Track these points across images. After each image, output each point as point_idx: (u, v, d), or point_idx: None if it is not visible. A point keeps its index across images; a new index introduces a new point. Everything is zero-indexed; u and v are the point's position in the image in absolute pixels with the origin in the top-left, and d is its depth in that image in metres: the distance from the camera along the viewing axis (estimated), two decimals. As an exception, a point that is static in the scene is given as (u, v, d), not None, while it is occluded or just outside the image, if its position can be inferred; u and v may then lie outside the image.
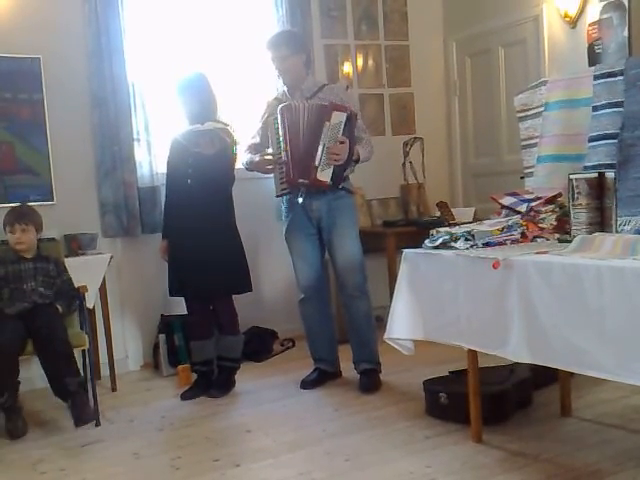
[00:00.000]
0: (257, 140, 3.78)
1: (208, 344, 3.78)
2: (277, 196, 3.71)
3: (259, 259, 4.69)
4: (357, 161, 3.59)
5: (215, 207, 3.64)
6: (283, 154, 3.51)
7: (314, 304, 3.77)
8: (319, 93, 3.64)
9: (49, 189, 4.13)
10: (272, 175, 3.66)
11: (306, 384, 3.77)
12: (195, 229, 3.60)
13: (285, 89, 3.72)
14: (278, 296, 4.85)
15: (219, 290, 3.68)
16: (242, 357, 3.92)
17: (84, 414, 3.17)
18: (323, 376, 3.81)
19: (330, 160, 3.45)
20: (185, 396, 3.73)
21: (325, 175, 3.48)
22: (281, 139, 3.52)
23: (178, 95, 3.68)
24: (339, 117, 3.43)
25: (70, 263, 3.74)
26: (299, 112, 3.48)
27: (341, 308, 3.97)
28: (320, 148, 3.44)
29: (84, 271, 3.78)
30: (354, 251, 3.66)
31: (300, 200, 3.60)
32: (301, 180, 3.52)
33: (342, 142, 3.44)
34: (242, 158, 3.79)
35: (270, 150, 3.64)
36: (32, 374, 3.76)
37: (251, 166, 3.73)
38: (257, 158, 3.67)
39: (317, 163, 3.45)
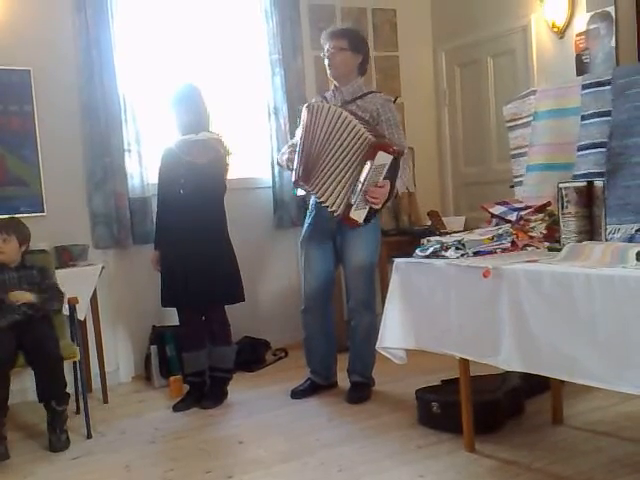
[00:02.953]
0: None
1: (200, 355, 3.77)
2: (297, 196, 3.67)
3: (253, 269, 4.69)
4: (395, 196, 3.49)
5: (207, 217, 3.63)
6: (296, 155, 3.41)
7: (315, 316, 3.72)
8: (359, 100, 3.53)
9: (40, 200, 4.12)
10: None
11: (296, 394, 3.75)
12: (187, 239, 3.59)
13: (333, 87, 3.63)
14: (271, 306, 4.85)
15: (212, 300, 3.67)
16: (235, 368, 3.91)
17: (60, 443, 3.20)
18: (314, 387, 3.79)
19: (367, 202, 3.30)
20: (177, 407, 3.71)
21: (358, 215, 3.33)
22: (298, 140, 3.43)
23: (171, 106, 3.67)
24: (383, 159, 3.23)
25: (61, 274, 3.72)
26: (320, 115, 3.30)
27: (342, 317, 3.93)
28: (359, 186, 3.27)
29: (75, 282, 3.76)
30: (363, 264, 3.55)
31: (309, 204, 3.57)
32: (302, 184, 3.41)
33: (382, 186, 3.29)
34: (280, 153, 3.75)
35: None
36: (24, 386, 3.74)
37: (279, 162, 3.69)
38: (285, 157, 3.58)
39: (353, 201, 3.29)
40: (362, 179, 3.25)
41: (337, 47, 3.52)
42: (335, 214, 3.37)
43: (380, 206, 3.35)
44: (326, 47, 3.56)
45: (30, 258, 3.55)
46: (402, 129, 3.59)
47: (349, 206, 3.31)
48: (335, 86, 3.63)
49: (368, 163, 3.23)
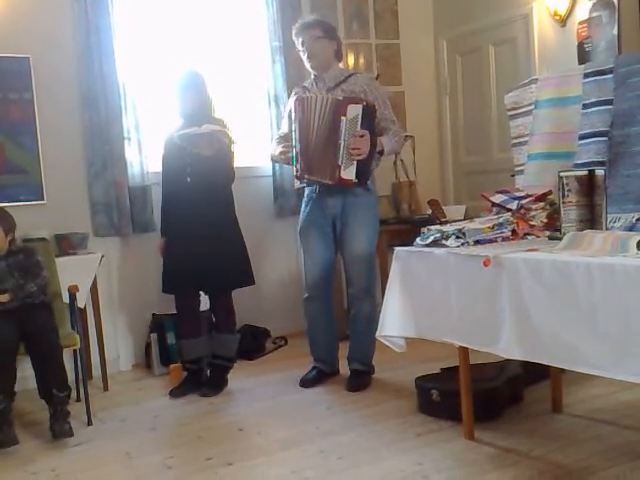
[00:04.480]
0: (285, 130, 3.70)
1: (198, 342, 3.78)
2: (297, 189, 3.72)
3: (253, 257, 4.67)
4: (381, 153, 3.50)
5: (216, 202, 3.65)
6: (293, 149, 3.48)
7: (318, 304, 3.74)
8: (343, 84, 3.55)
9: (39, 189, 4.11)
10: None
11: (305, 382, 3.76)
12: (197, 225, 3.59)
13: (312, 77, 3.67)
14: (271, 295, 4.85)
15: (223, 284, 3.69)
16: (236, 356, 3.91)
17: (63, 430, 3.18)
18: (321, 375, 3.80)
19: (352, 156, 3.35)
20: (174, 393, 3.73)
21: (349, 173, 3.37)
22: (294, 133, 3.48)
23: (175, 92, 3.66)
24: (355, 110, 3.33)
25: (61, 263, 3.73)
26: (312, 105, 3.40)
27: (342, 305, 3.94)
28: (341, 145, 3.34)
29: (75, 271, 3.77)
30: (363, 251, 3.58)
31: (314, 195, 3.59)
32: (307, 176, 3.47)
33: (361, 136, 3.34)
34: (270, 149, 3.78)
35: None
36: (24, 374, 3.73)
37: (274, 158, 3.72)
38: (278, 150, 3.63)
39: (340, 162, 3.35)
40: (341, 135, 3.33)
41: (313, 36, 3.54)
42: (331, 183, 3.42)
43: (365, 156, 3.36)
44: (300, 40, 3.57)
45: (19, 244, 3.51)
46: (390, 104, 3.65)
47: (338, 167, 3.37)
48: (315, 75, 3.65)
49: (342, 119, 3.32)
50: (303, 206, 3.72)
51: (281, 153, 3.60)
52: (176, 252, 3.68)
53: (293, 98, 3.55)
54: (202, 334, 3.80)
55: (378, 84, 3.72)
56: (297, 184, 3.70)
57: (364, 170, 3.42)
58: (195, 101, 3.62)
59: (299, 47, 3.59)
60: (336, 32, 3.68)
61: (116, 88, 4.23)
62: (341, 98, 3.40)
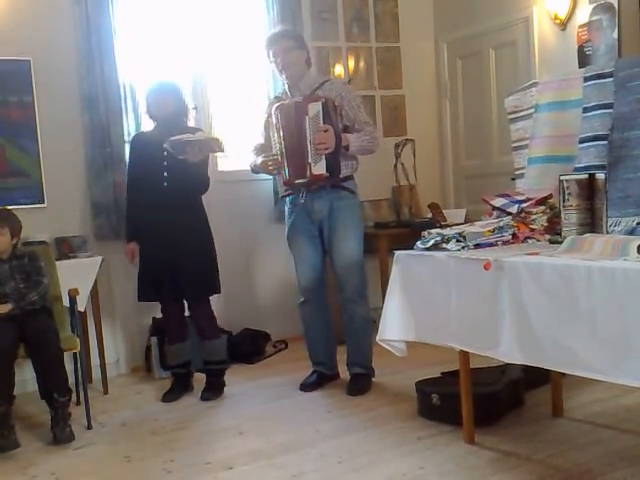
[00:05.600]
0: (262, 141, 3.75)
1: (185, 346, 3.81)
2: (281, 197, 3.73)
3: (253, 261, 4.69)
4: (347, 148, 3.53)
5: (193, 209, 3.65)
6: (278, 157, 3.52)
7: (314, 307, 3.75)
8: (318, 90, 3.60)
9: (40, 191, 4.11)
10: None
11: (305, 387, 3.75)
12: (173, 232, 3.58)
13: (286, 87, 3.70)
14: (271, 298, 4.84)
15: (201, 292, 3.68)
16: (234, 359, 3.90)
17: (64, 434, 3.18)
18: (322, 379, 3.80)
19: (319, 151, 3.42)
20: (166, 398, 3.74)
21: (319, 168, 3.45)
22: (275, 141, 3.53)
23: (155, 95, 3.67)
24: (315, 108, 3.43)
25: (61, 266, 3.73)
26: (289, 112, 3.48)
27: (339, 309, 3.94)
28: (308, 143, 3.42)
29: (75, 274, 3.76)
30: (354, 254, 3.61)
31: (302, 201, 3.60)
32: (297, 181, 3.51)
33: (325, 130, 3.42)
34: (248, 160, 3.79)
35: (274, 151, 3.59)
36: (24, 377, 3.74)
37: (256, 168, 3.72)
38: (259, 160, 3.64)
39: (309, 159, 3.43)
40: (307, 133, 3.42)
41: (287, 47, 3.58)
42: (306, 182, 3.48)
43: (331, 150, 3.43)
44: (271, 52, 3.60)
45: (22, 248, 3.51)
46: (364, 107, 3.72)
47: (308, 165, 3.44)
48: (288, 84, 3.67)
49: (306, 119, 3.41)
50: (287, 213, 3.75)
51: (263, 163, 3.60)
52: (152, 260, 3.64)
53: (272, 108, 3.57)
54: (188, 339, 3.82)
55: (351, 88, 3.81)
56: (282, 191, 3.73)
57: (334, 164, 3.49)
58: (172, 106, 3.64)
59: (271, 58, 3.62)
60: (304, 41, 3.75)
61: (116, 90, 4.23)
62: (300, 99, 3.48)
